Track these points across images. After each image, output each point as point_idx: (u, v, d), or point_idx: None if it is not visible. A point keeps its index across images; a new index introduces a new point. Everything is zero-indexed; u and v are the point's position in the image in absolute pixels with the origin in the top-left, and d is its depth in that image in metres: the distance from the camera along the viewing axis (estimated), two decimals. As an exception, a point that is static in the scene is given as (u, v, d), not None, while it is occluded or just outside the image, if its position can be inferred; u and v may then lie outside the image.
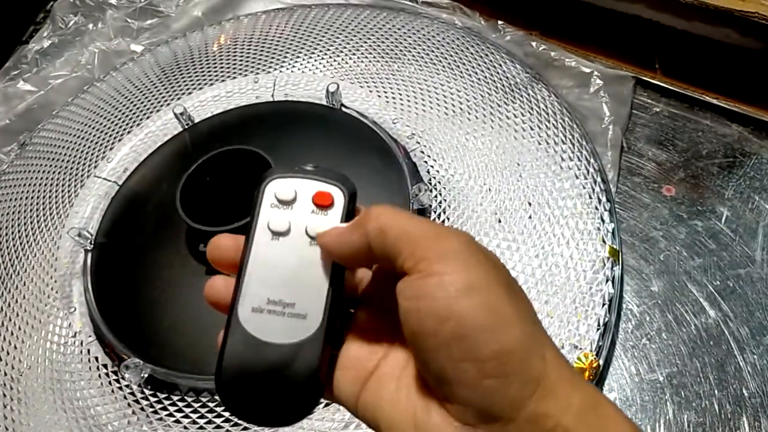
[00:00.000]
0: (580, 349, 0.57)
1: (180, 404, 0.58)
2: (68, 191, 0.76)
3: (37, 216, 0.75)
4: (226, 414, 0.57)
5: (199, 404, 0.58)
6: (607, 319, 0.58)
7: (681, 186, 0.68)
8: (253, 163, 0.66)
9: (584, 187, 0.65)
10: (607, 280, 0.60)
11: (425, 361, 0.28)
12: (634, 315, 0.61)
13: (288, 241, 0.33)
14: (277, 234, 0.33)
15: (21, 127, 0.86)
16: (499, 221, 0.65)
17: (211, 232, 0.62)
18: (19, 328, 0.66)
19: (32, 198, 0.76)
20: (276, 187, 0.33)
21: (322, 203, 0.33)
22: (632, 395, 0.57)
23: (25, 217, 0.75)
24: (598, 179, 0.66)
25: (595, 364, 0.56)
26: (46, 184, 0.77)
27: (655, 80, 0.74)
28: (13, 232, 0.74)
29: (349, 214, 0.33)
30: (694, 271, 0.63)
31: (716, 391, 0.56)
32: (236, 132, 0.76)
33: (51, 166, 0.79)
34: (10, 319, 0.67)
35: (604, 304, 0.59)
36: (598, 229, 0.63)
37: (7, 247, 0.73)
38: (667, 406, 0.56)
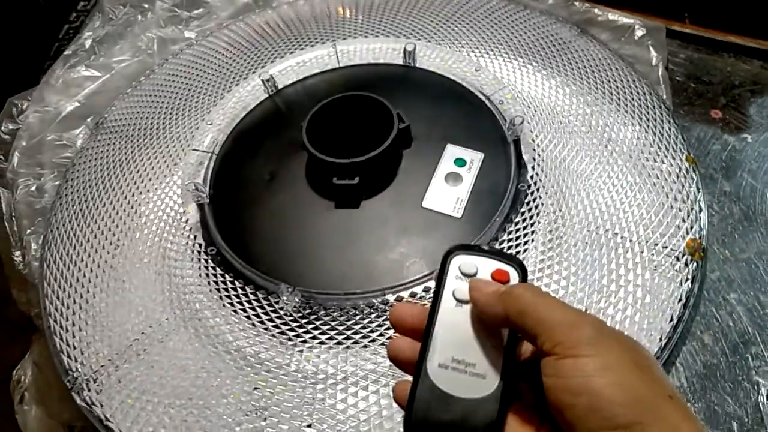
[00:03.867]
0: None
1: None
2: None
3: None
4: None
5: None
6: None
7: (725, 109, 0.79)
8: (369, 109, 0.72)
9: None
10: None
11: (568, 430, 0.32)
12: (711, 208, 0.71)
13: (470, 309, 0.38)
14: (460, 302, 0.38)
15: (87, 111, 0.88)
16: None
17: (340, 163, 0.68)
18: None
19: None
20: (460, 262, 0.39)
21: (501, 279, 0.38)
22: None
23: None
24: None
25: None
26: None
27: (685, 29, 0.86)
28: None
29: None
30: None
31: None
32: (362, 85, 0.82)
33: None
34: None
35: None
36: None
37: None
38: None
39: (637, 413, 0.30)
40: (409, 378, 0.38)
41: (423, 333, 0.38)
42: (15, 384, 0.73)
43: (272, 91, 0.82)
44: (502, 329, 0.37)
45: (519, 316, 0.34)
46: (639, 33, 0.84)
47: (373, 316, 0.62)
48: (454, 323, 0.37)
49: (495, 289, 0.36)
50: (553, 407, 0.33)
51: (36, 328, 0.75)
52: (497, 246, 0.65)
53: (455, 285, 0.38)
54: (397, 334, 0.40)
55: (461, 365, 0.36)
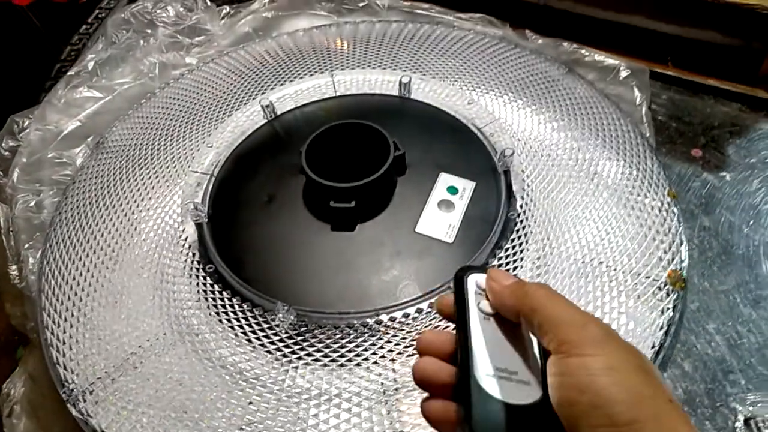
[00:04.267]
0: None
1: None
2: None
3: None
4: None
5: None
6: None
7: (705, 148, 0.83)
8: (366, 136, 0.75)
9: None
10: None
11: (571, 428, 0.33)
12: (691, 242, 0.74)
13: (496, 321, 0.39)
14: (487, 315, 0.40)
15: (88, 131, 0.90)
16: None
17: (337, 187, 0.70)
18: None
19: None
20: (476, 279, 0.41)
21: None
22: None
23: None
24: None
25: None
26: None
27: (667, 71, 0.90)
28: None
29: None
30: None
31: None
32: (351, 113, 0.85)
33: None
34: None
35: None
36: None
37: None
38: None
39: (638, 413, 0.31)
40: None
41: (457, 349, 0.39)
42: (4, 397, 0.74)
43: (271, 116, 0.85)
44: (531, 336, 0.38)
45: (530, 313, 0.36)
46: (624, 74, 0.88)
47: (366, 335, 0.64)
48: (487, 335, 0.38)
49: (511, 282, 0.38)
50: (557, 405, 0.34)
51: (29, 342, 0.76)
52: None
53: (479, 300, 0.40)
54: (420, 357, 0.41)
55: (505, 373, 0.37)
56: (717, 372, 0.65)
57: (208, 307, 0.68)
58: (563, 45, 0.92)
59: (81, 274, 0.72)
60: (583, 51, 0.91)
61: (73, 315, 0.69)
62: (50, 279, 0.73)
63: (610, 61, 0.89)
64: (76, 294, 0.71)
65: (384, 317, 0.64)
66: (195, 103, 0.90)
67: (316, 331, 0.65)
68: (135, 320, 0.68)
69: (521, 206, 0.73)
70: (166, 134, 0.86)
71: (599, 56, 0.90)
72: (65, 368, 0.66)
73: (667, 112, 0.88)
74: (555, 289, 0.37)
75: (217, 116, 0.87)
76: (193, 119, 0.88)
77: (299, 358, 0.64)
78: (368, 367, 0.63)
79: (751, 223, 0.75)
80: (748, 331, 0.67)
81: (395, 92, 0.87)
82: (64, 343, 0.67)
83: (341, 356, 0.63)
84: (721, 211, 0.77)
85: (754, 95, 0.87)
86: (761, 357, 0.65)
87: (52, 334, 0.68)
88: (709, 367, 0.65)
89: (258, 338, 0.65)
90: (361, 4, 1.03)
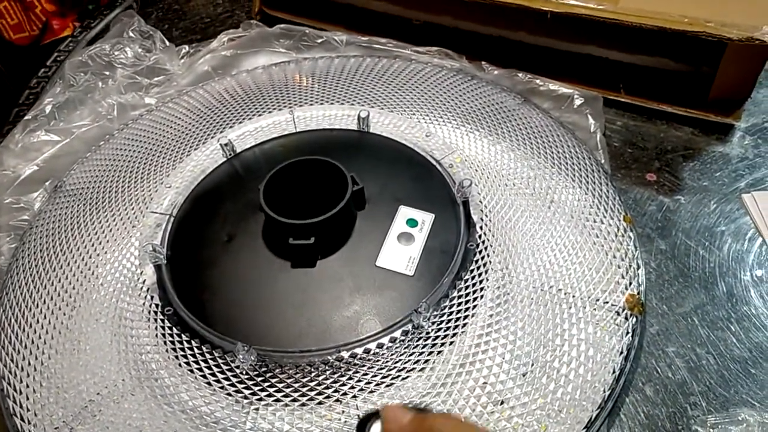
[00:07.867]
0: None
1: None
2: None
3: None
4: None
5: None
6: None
7: (659, 173, 0.85)
8: (324, 172, 0.76)
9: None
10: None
11: None
12: (648, 266, 0.75)
13: None
14: None
15: (46, 175, 0.89)
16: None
17: (296, 224, 0.70)
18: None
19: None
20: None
21: None
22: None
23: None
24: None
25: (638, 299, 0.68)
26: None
27: (620, 98, 0.92)
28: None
29: None
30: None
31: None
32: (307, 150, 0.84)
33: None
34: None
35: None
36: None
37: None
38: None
39: None
40: None
41: None
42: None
43: (230, 154, 0.85)
44: None
45: None
46: (578, 102, 0.90)
47: (327, 373, 0.64)
48: None
49: (410, 417, 0.34)
50: None
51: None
52: (447, 303, 0.67)
53: None
54: None
55: None
56: (678, 395, 0.65)
57: (167, 350, 0.67)
58: (518, 75, 0.93)
59: (38, 322, 0.71)
60: (537, 81, 0.92)
61: (30, 364, 0.68)
62: (7, 328, 0.72)
63: (564, 89, 0.91)
64: (33, 342, 0.70)
65: (345, 354, 0.64)
66: (154, 144, 0.90)
67: (276, 371, 0.64)
68: (93, 367, 0.67)
69: (480, 236, 0.73)
70: (124, 175, 0.86)
71: (553, 85, 0.92)
72: (22, 419, 0.64)
73: (621, 138, 0.90)
74: (458, 415, 0.34)
75: (176, 156, 0.87)
76: (152, 159, 0.87)
77: (260, 399, 0.63)
78: (330, 405, 0.62)
79: (707, 244, 0.77)
80: (707, 353, 0.68)
81: (354, 127, 0.88)
82: (21, 393, 0.66)
83: (302, 395, 0.63)
84: (677, 233, 0.78)
85: (705, 119, 0.89)
86: (720, 378, 0.66)
87: (9, 384, 0.67)
88: (670, 391, 0.66)
89: (218, 380, 0.64)
90: (319, 41, 1.04)
